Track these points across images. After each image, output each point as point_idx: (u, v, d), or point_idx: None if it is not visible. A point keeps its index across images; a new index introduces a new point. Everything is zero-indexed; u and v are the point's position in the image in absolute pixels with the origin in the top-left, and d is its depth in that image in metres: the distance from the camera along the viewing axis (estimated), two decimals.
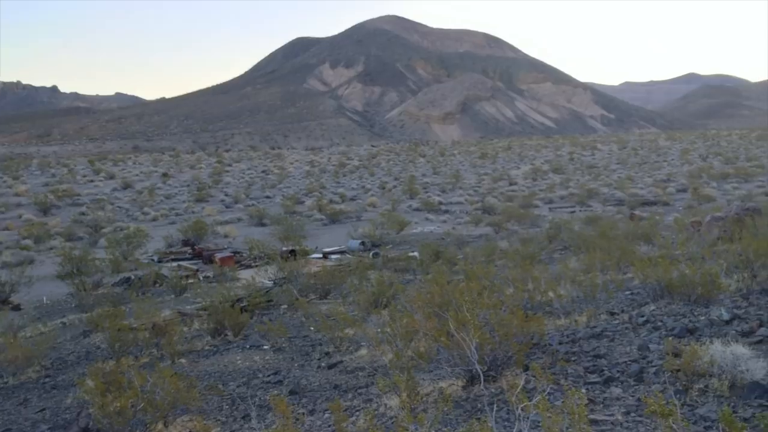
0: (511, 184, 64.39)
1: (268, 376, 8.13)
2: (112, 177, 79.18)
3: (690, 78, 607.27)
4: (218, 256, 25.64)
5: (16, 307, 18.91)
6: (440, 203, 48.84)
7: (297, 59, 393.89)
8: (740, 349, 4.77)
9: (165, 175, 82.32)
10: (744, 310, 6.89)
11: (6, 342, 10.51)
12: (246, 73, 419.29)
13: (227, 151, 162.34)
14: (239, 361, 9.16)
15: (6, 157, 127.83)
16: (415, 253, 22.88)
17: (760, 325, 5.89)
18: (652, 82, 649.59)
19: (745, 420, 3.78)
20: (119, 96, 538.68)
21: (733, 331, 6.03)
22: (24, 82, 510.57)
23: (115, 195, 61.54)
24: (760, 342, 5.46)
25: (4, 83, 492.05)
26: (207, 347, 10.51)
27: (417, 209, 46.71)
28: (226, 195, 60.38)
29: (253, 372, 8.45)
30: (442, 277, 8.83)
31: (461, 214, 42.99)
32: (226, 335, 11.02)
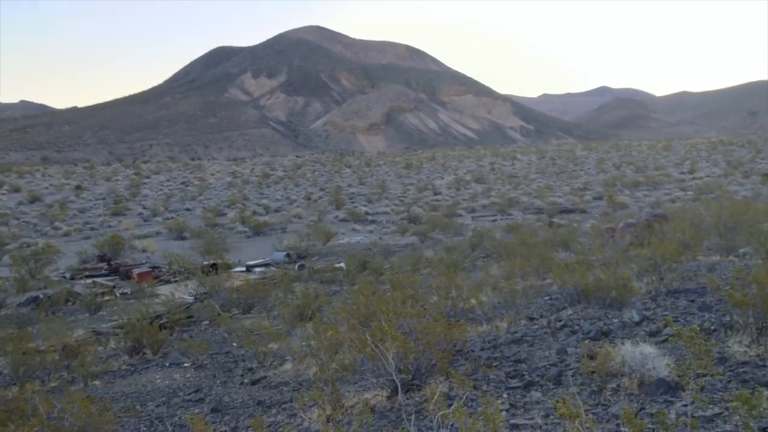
0: (435, 194, 65.41)
1: (189, 394, 7.89)
2: (17, 190, 74.62)
3: (603, 91, 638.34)
4: (136, 271, 24.65)
5: None
6: (366, 213, 48.98)
7: (217, 69, 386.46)
8: (648, 349, 5.01)
9: (78, 187, 78.56)
10: (652, 311, 7.27)
11: None
12: (165, 82, 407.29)
13: (145, 162, 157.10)
14: (158, 380, 8.86)
15: None
16: (342, 264, 22.80)
17: (666, 325, 6.21)
18: (568, 94, 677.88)
19: (652, 415, 3.96)
20: (24, 104, 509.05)
21: (643, 332, 6.34)
22: None
23: (20, 209, 58.03)
24: (665, 341, 5.76)
25: None
26: (124, 367, 10.11)
27: (343, 220, 46.63)
28: (145, 208, 58.29)
29: (173, 391, 8.19)
30: (367, 287, 8.84)
31: (387, 224, 43.26)
32: (145, 354, 10.64)
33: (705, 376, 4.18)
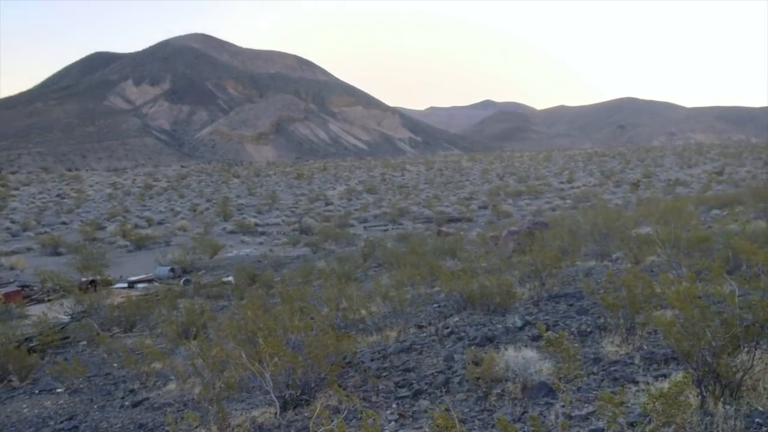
0: (327, 205, 65.40)
1: (61, 422, 7.32)
2: None
3: (486, 104, 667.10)
4: (2, 291, 22.75)
5: None
6: (256, 225, 48.05)
7: (96, 75, 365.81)
8: (530, 353, 5.22)
9: None
10: (534, 316, 7.60)
11: None
12: (36, 87, 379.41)
13: (13, 173, 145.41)
14: (26, 409, 8.18)
15: None
16: (230, 278, 22.22)
17: (547, 329, 6.51)
18: (454, 107, 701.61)
19: (532, 417, 4.11)
20: None
21: (525, 337, 6.61)
22: None
23: None
24: (543, 344, 6.03)
25: None
26: None
27: (232, 232, 45.47)
28: (13, 222, 53.86)
29: (42, 420, 7.58)
30: (255, 302, 8.61)
31: (278, 235, 42.66)
32: (11, 381, 9.82)
33: (579, 377, 4.41)
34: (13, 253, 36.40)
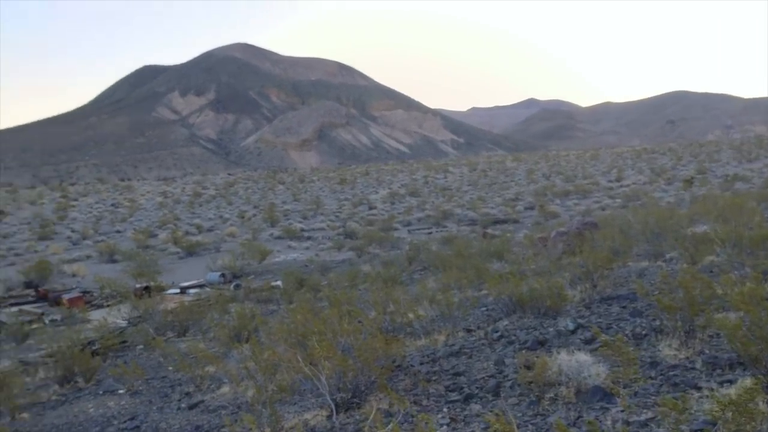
0: (370, 208, 65.57)
1: (124, 422, 7.57)
2: None
3: (529, 103, 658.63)
4: (66, 297, 23.72)
5: None
6: (302, 230, 48.54)
7: (144, 88, 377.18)
8: (583, 357, 5.12)
9: (1, 212, 74.67)
10: (587, 319, 7.45)
11: None
12: (90, 102, 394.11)
13: (72, 184, 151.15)
14: (91, 409, 8.48)
15: None
16: (279, 282, 22.49)
17: (599, 333, 6.38)
18: (496, 107, 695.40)
19: (590, 422, 4.03)
20: None
21: (578, 340, 6.48)
22: None
23: None
24: (599, 348, 5.91)
25: None
26: (54, 397, 9.67)
27: (279, 237, 46.05)
28: (73, 231, 55.88)
29: (107, 419, 7.85)
30: (304, 306, 8.71)
31: (323, 239, 43.01)
32: (77, 382, 10.21)
33: (636, 382, 4.30)
34: (74, 260, 37.81)
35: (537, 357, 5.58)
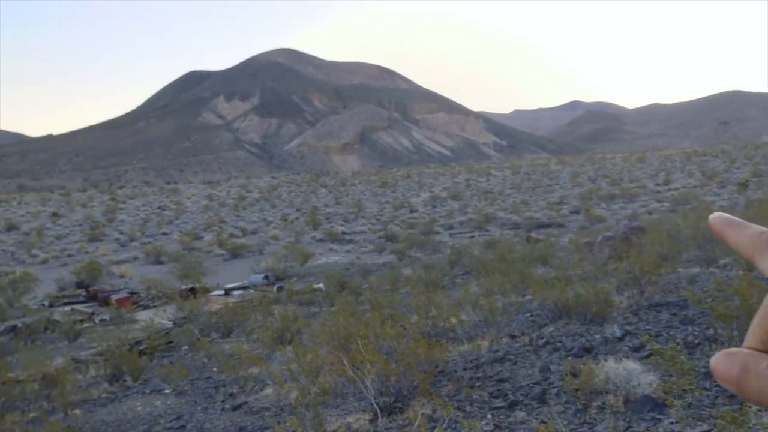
0: (411, 212, 65.46)
1: (170, 421, 7.70)
2: None
3: (574, 105, 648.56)
4: (114, 297, 24.41)
5: None
6: (343, 233, 48.80)
7: (190, 93, 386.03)
8: (632, 365, 4.97)
9: (55, 214, 77.35)
10: (634, 326, 7.24)
11: None
12: (138, 107, 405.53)
13: (121, 187, 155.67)
14: (139, 408, 8.66)
15: None
16: (321, 285, 22.63)
17: (648, 341, 6.20)
18: (539, 109, 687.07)
19: None
20: (0, 133, 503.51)
21: (626, 348, 6.30)
22: None
23: None
24: (649, 356, 5.73)
25: None
26: (104, 395, 9.90)
27: (320, 240, 46.40)
28: (121, 233, 57.47)
29: (154, 418, 8.00)
30: (346, 309, 8.73)
31: (365, 242, 43.14)
32: (125, 381, 10.44)
33: (690, 392, 4.15)
34: (122, 262, 38.87)
35: (583, 364, 5.46)
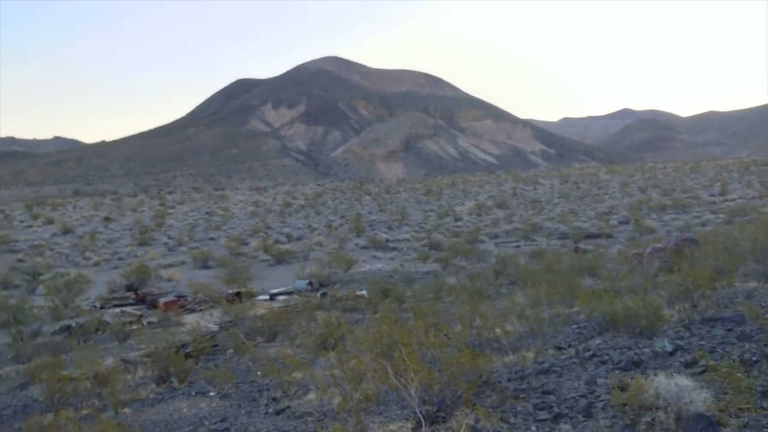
0: (456, 220, 65.14)
1: (215, 423, 7.82)
2: (51, 222, 76.35)
3: (624, 113, 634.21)
4: (162, 300, 25.02)
5: None
6: (387, 240, 48.90)
7: (238, 100, 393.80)
8: (684, 381, 4.81)
9: (107, 219, 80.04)
10: (687, 340, 7.02)
11: None
12: (187, 114, 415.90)
13: (170, 193, 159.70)
14: (185, 409, 8.81)
15: None
16: (364, 292, 22.70)
17: (702, 356, 5.99)
18: (589, 117, 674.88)
19: None
20: (58, 140, 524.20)
21: (677, 363, 6.11)
22: None
23: (54, 240, 59.28)
24: (702, 372, 5.54)
25: None
26: (152, 395, 10.13)
27: (364, 247, 46.63)
28: (170, 238, 58.99)
29: (199, 420, 8.13)
30: (389, 316, 8.72)
31: (408, 250, 43.11)
32: (172, 382, 10.67)
33: (747, 411, 3.98)
34: (170, 266, 39.85)
35: (632, 378, 5.32)
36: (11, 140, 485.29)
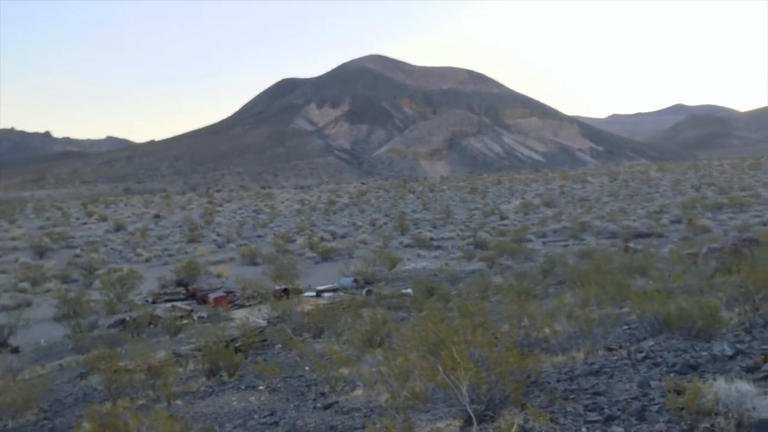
0: (502, 219, 64.51)
1: (264, 417, 7.91)
2: (104, 219, 78.99)
3: (677, 109, 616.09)
4: (212, 296, 25.55)
5: (15, 350, 19.04)
6: (431, 239, 48.78)
7: (284, 100, 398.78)
8: (745, 386, 4.64)
9: (157, 216, 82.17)
10: (748, 344, 6.76)
11: (5, 385, 10.76)
12: (234, 114, 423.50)
13: (218, 191, 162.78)
14: (235, 402, 8.96)
15: (2, 201, 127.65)
16: (409, 290, 22.71)
17: (765, 360, 5.77)
18: (639, 113, 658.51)
19: None
20: (110, 139, 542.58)
21: (738, 367, 5.90)
22: (17, 128, 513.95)
23: (108, 237, 61.30)
24: (765, 378, 5.34)
25: None
26: (202, 388, 10.35)
27: (408, 245, 46.62)
28: (218, 235, 60.20)
29: (248, 413, 8.25)
30: (435, 315, 8.70)
31: (453, 249, 42.91)
32: (221, 376, 10.86)
33: None
34: (219, 262, 40.71)
35: (688, 382, 5.16)
36: (67, 140, 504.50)
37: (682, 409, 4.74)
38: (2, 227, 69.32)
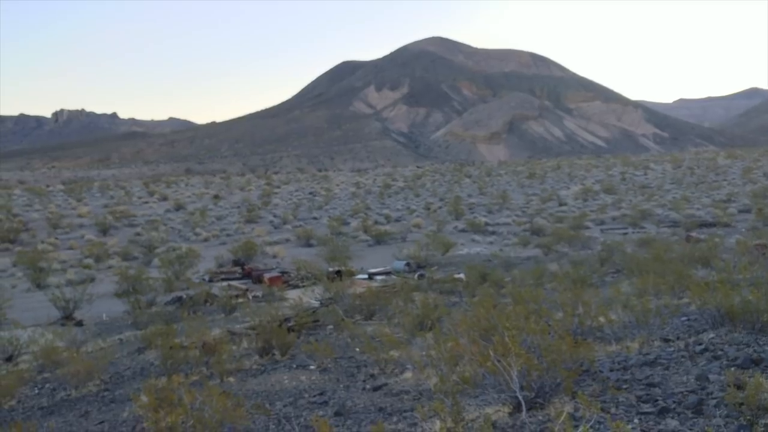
0: (560, 205, 63.32)
1: (314, 396, 8.03)
2: (165, 198, 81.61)
3: (751, 93, 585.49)
4: (267, 276, 26.02)
5: (79, 323, 19.77)
6: (486, 224, 48.35)
7: (343, 83, 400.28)
8: None
9: (216, 196, 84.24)
10: None
11: (69, 356, 11.34)
12: (293, 97, 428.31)
13: (276, 173, 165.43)
14: (286, 381, 9.12)
15: (71, 180, 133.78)
16: (461, 275, 22.61)
17: None
18: (708, 98, 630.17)
19: None
20: (172, 120, 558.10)
21: None
22: (87, 109, 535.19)
23: (168, 216, 63.35)
24: None
25: (69, 111, 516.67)
26: (255, 366, 10.54)
27: (463, 230, 46.35)
28: (275, 216, 61.31)
29: (299, 392, 8.38)
30: (487, 300, 8.64)
31: (509, 235, 42.41)
32: (274, 354, 11.02)
33: None
34: (275, 243, 41.54)
35: (750, 377, 4.97)
36: (132, 121, 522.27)
37: (741, 404, 4.58)
38: (70, 205, 72.63)
